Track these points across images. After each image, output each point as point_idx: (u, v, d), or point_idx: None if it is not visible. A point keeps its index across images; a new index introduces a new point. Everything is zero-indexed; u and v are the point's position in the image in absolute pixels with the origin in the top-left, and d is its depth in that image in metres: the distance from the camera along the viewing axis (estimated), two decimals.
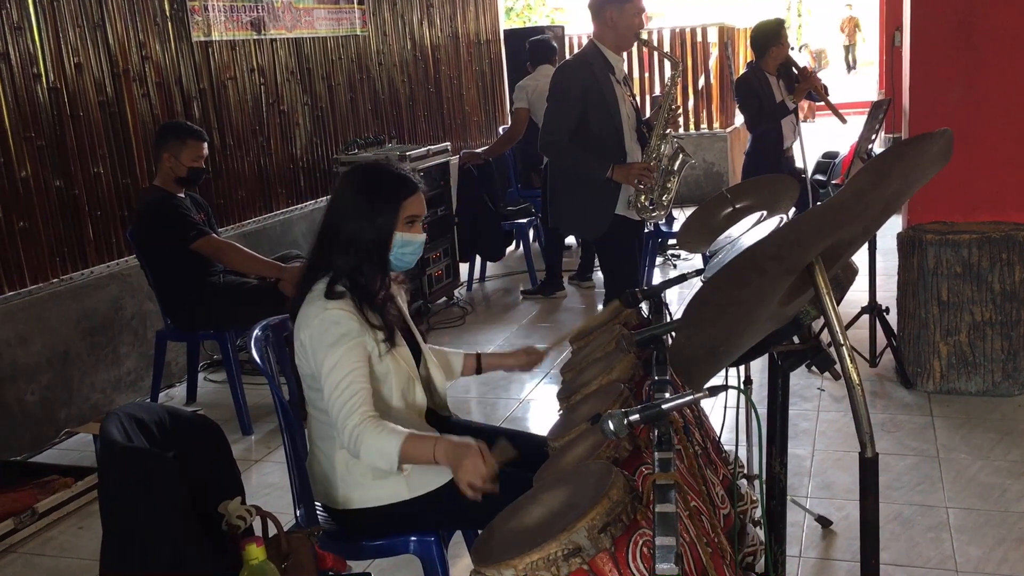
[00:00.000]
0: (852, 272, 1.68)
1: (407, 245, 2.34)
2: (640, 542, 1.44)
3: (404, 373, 2.36)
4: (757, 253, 1.17)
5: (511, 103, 7.00)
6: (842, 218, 1.16)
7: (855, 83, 21.69)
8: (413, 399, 2.39)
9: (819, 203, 1.14)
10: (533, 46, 6.90)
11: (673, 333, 2.16)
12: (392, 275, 2.43)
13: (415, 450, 2.12)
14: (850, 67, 25.53)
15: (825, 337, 3.27)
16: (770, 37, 5.48)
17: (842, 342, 1.34)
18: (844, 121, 5.62)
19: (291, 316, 2.35)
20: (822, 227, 1.16)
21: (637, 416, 1.57)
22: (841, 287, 1.59)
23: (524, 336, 5.59)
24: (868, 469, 1.38)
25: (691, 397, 1.64)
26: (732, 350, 1.64)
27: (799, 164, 5.73)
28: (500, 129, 9.13)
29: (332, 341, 2.20)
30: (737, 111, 9.63)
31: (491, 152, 6.95)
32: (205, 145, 4.33)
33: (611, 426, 1.56)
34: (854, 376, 1.34)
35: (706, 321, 1.37)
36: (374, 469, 2.25)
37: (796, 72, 5.50)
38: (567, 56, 7.35)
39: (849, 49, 25.98)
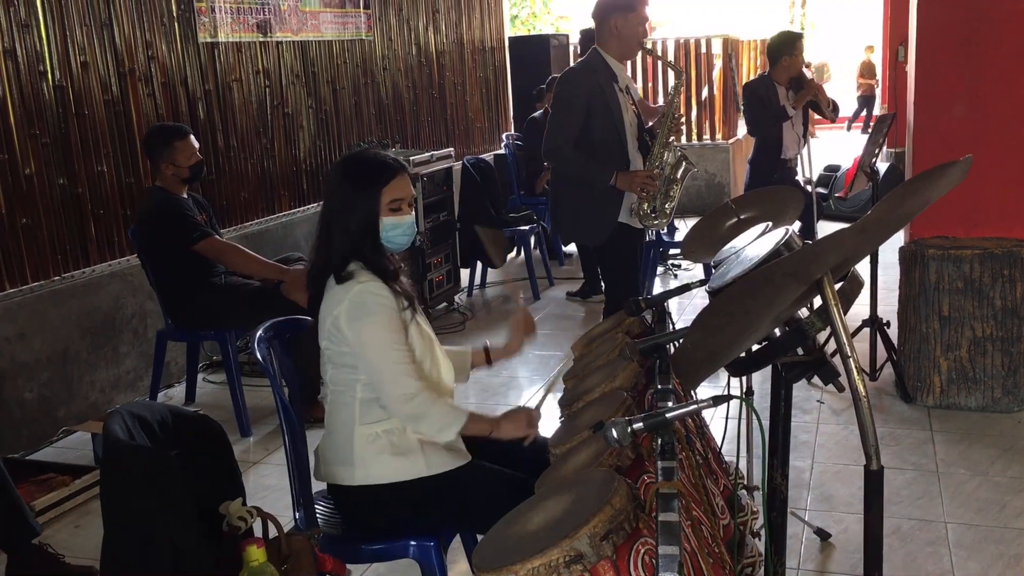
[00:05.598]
0: (858, 285, 1.68)
1: (394, 228, 2.36)
2: (642, 551, 1.44)
3: (428, 342, 2.40)
4: (776, 268, 1.17)
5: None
6: (862, 236, 1.17)
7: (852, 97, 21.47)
8: (436, 368, 2.43)
9: (849, 225, 1.15)
10: (585, 35, 6.83)
11: (678, 342, 2.16)
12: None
13: (476, 422, 2.32)
14: (866, 126, 15.68)
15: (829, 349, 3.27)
16: (782, 47, 5.52)
17: (849, 354, 1.34)
18: (814, 136, 5.72)
19: (312, 313, 2.37)
20: (844, 246, 1.17)
21: (641, 424, 1.57)
22: (848, 300, 1.59)
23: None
24: (873, 481, 1.38)
25: (695, 406, 1.64)
26: (733, 353, 1.65)
27: (806, 175, 5.73)
28: (503, 136, 9.14)
29: (372, 310, 2.24)
30: (740, 122, 9.66)
31: None
32: (192, 136, 4.31)
33: (615, 434, 1.56)
34: (861, 388, 1.34)
35: (715, 328, 1.38)
36: (393, 445, 2.28)
37: (804, 83, 5.54)
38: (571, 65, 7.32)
39: (868, 103, 17.36)
